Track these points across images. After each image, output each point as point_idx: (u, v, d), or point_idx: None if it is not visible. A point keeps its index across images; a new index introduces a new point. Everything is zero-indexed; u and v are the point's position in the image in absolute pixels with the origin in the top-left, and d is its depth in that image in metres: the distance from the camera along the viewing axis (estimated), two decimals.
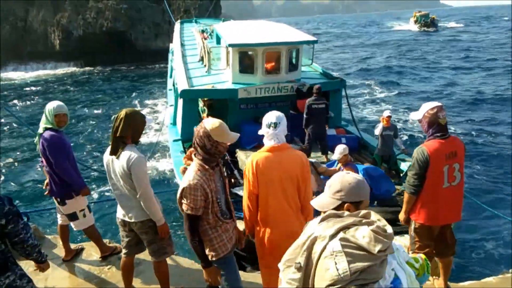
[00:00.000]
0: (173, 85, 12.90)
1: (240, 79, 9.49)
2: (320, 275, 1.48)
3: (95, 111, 19.74)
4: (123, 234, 3.58)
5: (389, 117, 7.99)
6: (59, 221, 4.57)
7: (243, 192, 3.24)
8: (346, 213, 1.68)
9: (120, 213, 3.50)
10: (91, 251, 4.82)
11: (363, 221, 1.56)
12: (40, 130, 4.16)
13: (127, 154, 3.21)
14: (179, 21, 16.67)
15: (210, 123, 2.86)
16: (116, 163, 3.26)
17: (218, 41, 11.27)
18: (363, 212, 1.62)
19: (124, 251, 3.64)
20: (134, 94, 23.57)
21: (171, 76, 14.93)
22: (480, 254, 6.82)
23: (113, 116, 3.41)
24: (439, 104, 3.33)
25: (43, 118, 4.16)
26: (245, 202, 3.17)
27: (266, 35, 9.57)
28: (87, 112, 19.61)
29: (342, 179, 1.90)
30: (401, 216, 3.67)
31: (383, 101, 19.01)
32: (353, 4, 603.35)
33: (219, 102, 10.27)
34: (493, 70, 24.35)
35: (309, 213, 3.21)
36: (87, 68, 35.46)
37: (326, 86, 9.49)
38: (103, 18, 36.30)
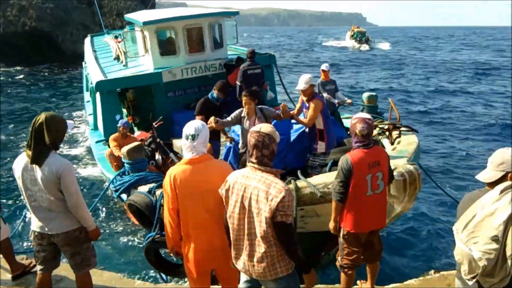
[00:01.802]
0: (90, 96, 12.00)
1: (163, 62, 8.94)
2: None
3: (11, 116, 17.65)
4: (38, 248, 3.35)
5: (328, 70, 7.73)
6: None
7: (164, 208, 3.14)
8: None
9: (36, 226, 3.28)
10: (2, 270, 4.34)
11: None
12: None
13: (54, 162, 3.05)
14: (89, 35, 15.98)
15: (263, 127, 2.74)
16: (39, 173, 3.07)
17: (133, 39, 10.58)
18: None
19: (39, 267, 3.41)
20: (55, 98, 21.84)
21: (87, 90, 13.98)
22: (405, 256, 6.95)
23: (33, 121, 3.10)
24: (364, 116, 3.48)
25: None
26: (166, 218, 3.09)
27: (185, 12, 9.23)
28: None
29: (503, 154, 2.53)
30: (331, 224, 3.76)
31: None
32: (288, 18, 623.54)
33: (144, 96, 9.69)
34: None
35: None
36: (3, 69, 32.78)
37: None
38: (26, 16, 34.16)
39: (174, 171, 3.00)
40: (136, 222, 5.40)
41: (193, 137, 2.97)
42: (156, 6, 42.03)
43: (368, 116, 3.49)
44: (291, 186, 4.19)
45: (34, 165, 3.08)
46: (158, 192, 4.91)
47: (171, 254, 3.31)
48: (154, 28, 8.69)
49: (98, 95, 8.82)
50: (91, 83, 9.82)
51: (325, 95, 7.48)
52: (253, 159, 2.69)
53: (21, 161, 3.17)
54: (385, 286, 4.03)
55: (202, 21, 8.82)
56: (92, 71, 10.25)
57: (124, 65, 10.10)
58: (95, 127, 10.06)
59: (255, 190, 2.62)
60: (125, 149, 5.68)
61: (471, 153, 12.16)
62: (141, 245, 6.53)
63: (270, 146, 2.68)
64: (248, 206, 2.66)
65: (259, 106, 5.33)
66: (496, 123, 15.54)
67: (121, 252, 6.80)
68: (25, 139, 13.87)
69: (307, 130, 5.63)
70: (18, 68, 33.10)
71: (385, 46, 59.84)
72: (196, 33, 9.04)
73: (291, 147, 5.93)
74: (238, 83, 8.04)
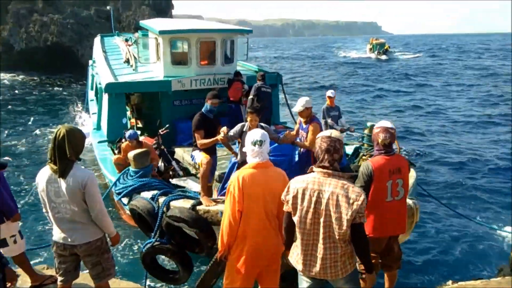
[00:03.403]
0: (95, 95, 12.29)
1: (173, 71, 9.12)
2: None
3: (31, 126, 17.61)
4: (60, 260, 3.42)
5: (334, 97, 7.94)
6: None
7: (225, 209, 3.23)
8: None
9: (58, 237, 3.35)
10: (26, 278, 4.38)
11: None
12: None
13: (78, 174, 3.17)
14: (99, 35, 16.03)
15: (333, 132, 2.96)
16: (63, 184, 3.17)
17: (145, 46, 10.84)
18: None
19: (60, 278, 3.46)
20: (72, 108, 22.11)
21: (92, 88, 14.31)
22: (421, 268, 6.84)
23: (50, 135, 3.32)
24: (386, 126, 3.55)
25: None
26: (227, 218, 3.16)
27: (200, 25, 9.45)
28: (20, 127, 17.45)
29: None
30: None
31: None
32: (302, 28, 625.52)
33: (150, 102, 9.81)
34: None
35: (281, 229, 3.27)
36: (25, 78, 33.64)
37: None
38: (48, 32, 35.33)
39: (243, 174, 3.14)
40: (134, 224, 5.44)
41: (261, 143, 3.16)
42: (173, 17, 42.87)
43: (390, 125, 3.57)
44: None
45: (58, 177, 3.17)
46: (161, 199, 4.98)
47: (220, 257, 3.32)
48: (168, 38, 8.91)
49: (105, 96, 8.93)
50: (99, 83, 9.98)
51: (329, 121, 7.72)
52: (326, 163, 2.81)
53: (45, 174, 3.25)
54: None
55: (216, 35, 9.04)
56: (102, 72, 10.39)
57: (133, 69, 10.29)
58: (98, 127, 10.12)
59: (333, 195, 2.72)
60: (131, 153, 5.77)
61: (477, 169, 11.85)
62: None
63: (340, 151, 2.86)
64: (325, 210, 2.75)
65: (261, 124, 5.42)
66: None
67: (135, 260, 6.85)
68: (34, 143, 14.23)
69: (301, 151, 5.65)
70: (36, 77, 33.87)
71: (407, 56, 58.12)
72: (209, 47, 9.25)
73: (295, 168, 5.92)
74: (250, 97, 8.38)
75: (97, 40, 15.38)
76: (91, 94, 14.46)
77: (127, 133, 7.06)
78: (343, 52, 70.44)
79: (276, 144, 5.63)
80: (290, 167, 5.84)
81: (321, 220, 2.77)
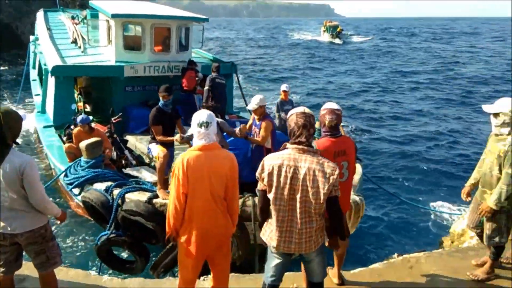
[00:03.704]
0: (38, 74, 11.72)
1: (125, 56, 8.85)
2: None
3: None
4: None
5: (287, 91, 8.02)
6: None
7: (170, 191, 3.16)
8: None
9: None
10: None
11: None
12: None
13: (16, 159, 2.99)
14: (41, 10, 14.97)
15: (306, 108, 2.98)
16: None
17: (95, 27, 10.32)
18: None
19: (1, 269, 3.28)
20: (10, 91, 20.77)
21: (34, 67, 13.53)
22: (372, 243, 7.26)
23: None
24: (333, 107, 3.48)
25: None
26: (173, 202, 3.11)
27: (155, 10, 9.16)
28: None
29: None
30: None
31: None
32: (257, 8, 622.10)
33: (99, 86, 9.48)
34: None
35: (234, 213, 3.25)
36: None
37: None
38: None
39: (187, 156, 3.05)
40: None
41: (207, 125, 3.06)
42: None
43: (337, 106, 3.51)
44: (250, 202, 4.47)
45: None
46: (115, 191, 4.92)
47: (170, 239, 3.28)
48: (121, 21, 8.58)
49: (52, 79, 8.51)
50: (45, 64, 9.48)
51: (282, 114, 7.80)
52: (303, 139, 2.82)
53: None
54: (351, 271, 4.17)
55: (171, 22, 8.80)
56: (47, 52, 9.85)
57: (82, 51, 9.83)
58: (43, 110, 9.60)
59: (309, 171, 2.75)
60: (84, 143, 5.61)
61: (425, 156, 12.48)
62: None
63: (314, 126, 2.90)
64: (302, 186, 2.77)
65: (217, 119, 5.47)
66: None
67: (86, 249, 6.68)
68: None
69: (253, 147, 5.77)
70: None
71: (358, 39, 59.98)
72: (164, 33, 9.01)
73: (248, 162, 6.04)
74: (206, 88, 8.29)
75: (40, 15, 14.42)
76: (33, 74, 13.61)
77: (79, 118, 6.78)
78: (298, 35, 71.10)
79: (232, 138, 5.73)
80: (245, 160, 5.95)
81: (298, 196, 2.79)
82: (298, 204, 2.80)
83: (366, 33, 73.14)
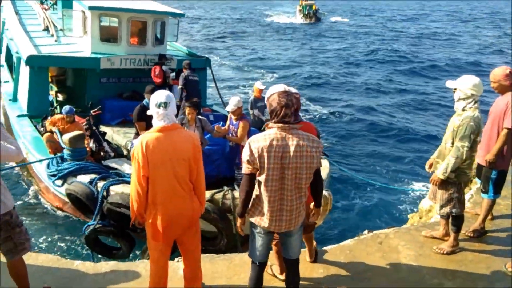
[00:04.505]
0: (6, 60, 11.52)
1: (101, 48, 8.94)
2: None
3: None
4: None
5: (262, 89, 8.17)
6: None
7: (132, 176, 3.11)
8: None
9: None
10: None
11: None
12: None
13: None
14: None
15: (286, 87, 2.98)
16: None
17: (69, 16, 10.17)
18: None
19: None
20: None
21: (0, 52, 13.13)
22: (343, 222, 7.67)
23: None
24: (292, 91, 3.21)
25: None
26: (134, 186, 3.04)
27: (131, 4, 9.25)
28: None
29: None
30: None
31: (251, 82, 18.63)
32: None
33: (74, 76, 9.55)
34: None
35: (201, 194, 3.19)
36: None
37: (192, 64, 9.26)
38: None
39: (146, 138, 2.97)
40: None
41: (165, 105, 2.97)
42: None
43: (294, 90, 3.33)
44: (229, 195, 4.92)
45: None
46: (100, 184, 5.20)
47: (135, 223, 3.26)
48: (98, 13, 8.66)
49: (26, 68, 8.52)
50: (17, 52, 9.43)
51: (255, 112, 8.06)
52: (287, 118, 2.80)
53: None
54: (324, 247, 4.26)
55: (147, 16, 8.96)
56: (19, 40, 9.75)
57: (55, 40, 9.79)
58: (15, 99, 9.52)
59: (299, 147, 2.77)
60: (67, 136, 5.81)
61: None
62: (73, 227, 6.80)
63: (295, 104, 2.87)
64: (292, 163, 2.78)
65: (199, 117, 5.90)
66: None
67: (55, 235, 6.86)
68: None
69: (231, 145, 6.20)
70: None
71: (334, 18, 58.32)
72: (140, 27, 9.17)
73: (226, 157, 6.52)
74: (179, 87, 8.48)
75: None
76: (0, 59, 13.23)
77: (65, 108, 7.04)
78: (273, 16, 65.41)
79: (209, 135, 6.14)
80: (223, 155, 6.40)
81: (288, 173, 2.80)
82: (288, 182, 2.82)
83: (344, 13, 72.66)
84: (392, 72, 22.51)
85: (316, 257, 4.00)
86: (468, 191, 5.34)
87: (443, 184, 3.88)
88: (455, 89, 3.78)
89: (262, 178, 2.83)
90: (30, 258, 3.79)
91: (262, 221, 2.93)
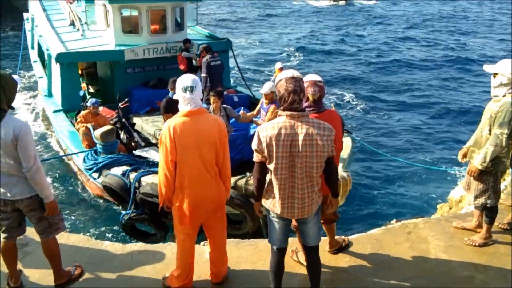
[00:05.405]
0: (39, 55, 12.07)
1: (124, 40, 9.27)
2: None
3: None
4: (2, 216, 3.19)
5: (282, 68, 8.28)
6: None
7: (159, 160, 3.13)
8: None
9: None
10: None
11: None
12: None
13: (11, 123, 2.92)
14: None
15: (294, 72, 2.88)
16: None
17: (92, 11, 10.44)
18: None
19: (3, 235, 3.25)
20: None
21: (32, 47, 13.67)
22: (370, 209, 7.50)
23: None
24: (314, 79, 3.21)
25: None
26: (162, 171, 3.07)
27: None
28: None
29: None
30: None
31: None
32: None
33: (102, 69, 9.92)
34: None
35: (227, 178, 3.21)
36: None
37: (213, 47, 9.35)
38: None
39: (174, 123, 2.99)
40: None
41: (192, 89, 2.98)
42: None
43: (318, 78, 3.25)
44: (252, 181, 5.05)
45: None
46: (131, 175, 5.56)
47: (163, 208, 3.29)
48: (118, 6, 8.96)
49: (57, 65, 8.96)
50: (47, 49, 9.88)
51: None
52: (295, 105, 2.77)
53: None
54: (350, 236, 4.19)
55: (166, 4, 9.17)
56: (48, 37, 10.20)
57: (81, 35, 10.18)
58: (50, 94, 9.99)
59: (308, 136, 2.74)
60: (98, 131, 6.18)
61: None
62: (105, 212, 7.44)
63: (304, 90, 2.85)
64: (302, 152, 2.75)
65: (223, 106, 6.10)
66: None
67: (89, 218, 7.45)
68: None
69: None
70: None
71: (365, 1, 52.29)
72: (159, 15, 9.38)
73: (248, 142, 6.58)
74: (203, 75, 8.39)
75: None
76: (33, 54, 13.78)
77: (90, 101, 7.45)
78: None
79: (233, 120, 6.32)
80: (245, 140, 6.60)
81: (298, 161, 2.78)
82: (298, 170, 2.80)
83: None
84: (429, 51, 21.69)
85: (345, 249, 3.92)
86: (502, 181, 4.96)
87: (479, 173, 3.70)
88: (496, 74, 3.55)
89: (271, 166, 2.84)
90: (62, 238, 3.90)
91: (275, 207, 2.95)
